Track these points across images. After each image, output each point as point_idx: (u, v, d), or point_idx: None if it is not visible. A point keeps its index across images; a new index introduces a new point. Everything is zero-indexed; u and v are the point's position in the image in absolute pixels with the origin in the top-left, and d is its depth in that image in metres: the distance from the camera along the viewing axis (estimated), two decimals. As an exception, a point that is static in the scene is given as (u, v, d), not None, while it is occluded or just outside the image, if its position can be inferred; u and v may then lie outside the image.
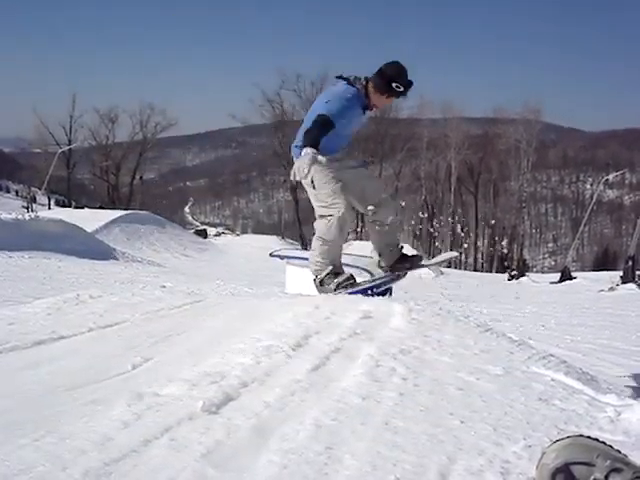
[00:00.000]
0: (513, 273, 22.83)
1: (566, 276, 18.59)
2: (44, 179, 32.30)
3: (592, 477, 1.19)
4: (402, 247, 3.64)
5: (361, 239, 26.04)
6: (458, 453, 1.44)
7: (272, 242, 31.16)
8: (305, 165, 2.81)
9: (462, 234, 41.98)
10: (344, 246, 3.44)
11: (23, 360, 2.40)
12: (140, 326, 2.84)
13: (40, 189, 39.75)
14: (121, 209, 27.84)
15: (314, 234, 3.33)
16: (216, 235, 43.28)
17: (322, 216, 3.23)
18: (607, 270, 23.49)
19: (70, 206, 37.52)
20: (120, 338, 2.66)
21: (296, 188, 39.05)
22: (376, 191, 3.48)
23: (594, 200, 28.21)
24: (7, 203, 44.47)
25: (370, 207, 3.40)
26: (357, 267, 3.71)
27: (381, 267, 3.59)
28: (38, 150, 44.43)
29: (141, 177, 46.83)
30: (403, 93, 3.23)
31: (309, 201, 3.35)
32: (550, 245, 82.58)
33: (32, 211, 24.19)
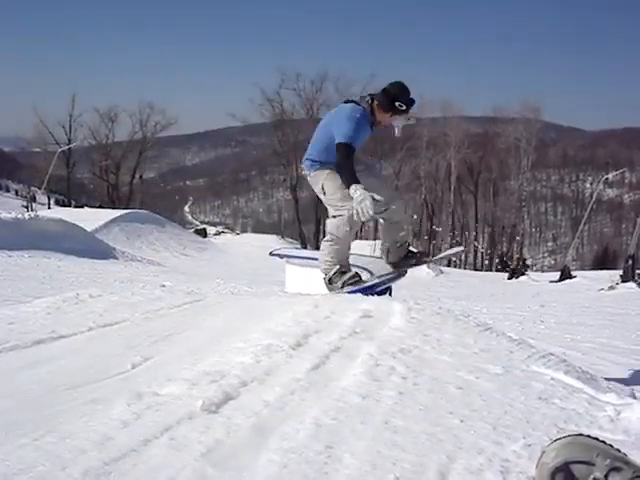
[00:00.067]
0: (513, 272, 22.83)
1: (566, 275, 18.56)
2: (44, 178, 32.26)
3: (592, 476, 1.19)
4: (409, 244, 3.84)
5: (360, 239, 26.06)
6: (458, 452, 1.44)
7: (272, 241, 31.14)
8: (368, 208, 3.07)
9: (464, 235, 41.98)
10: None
11: (23, 359, 2.40)
12: (140, 325, 2.84)
13: (40, 188, 39.71)
14: (121, 208, 27.85)
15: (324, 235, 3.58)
16: (216, 234, 43.18)
17: (333, 216, 3.46)
18: (607, 269, 23.46)
19: (70, 205, 37.54)
20: (120, 337, 2.66)
21: (296, 187, 39.10)
22: (385, 190, 3.59)
23: (594, 199, 28.17)
24: (7, 202, 44.42)
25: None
26: (357, 266, 3.74)
27: (388, 262, 3.77)
28: (38, 149, 44.37)
29: (141, 176, 46.79)
30: (406, 111, 3.46)
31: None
32: (550, 244, 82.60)
33: (32, 210, 24.22)
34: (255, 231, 55.63)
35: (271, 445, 1.45)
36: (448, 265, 29.04)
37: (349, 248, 3.52)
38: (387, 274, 3.69)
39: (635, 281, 14.40)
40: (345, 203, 3.31)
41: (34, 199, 44.77)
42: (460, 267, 35.42)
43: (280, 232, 41.67)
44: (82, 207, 30.04)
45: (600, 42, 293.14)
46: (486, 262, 42.24)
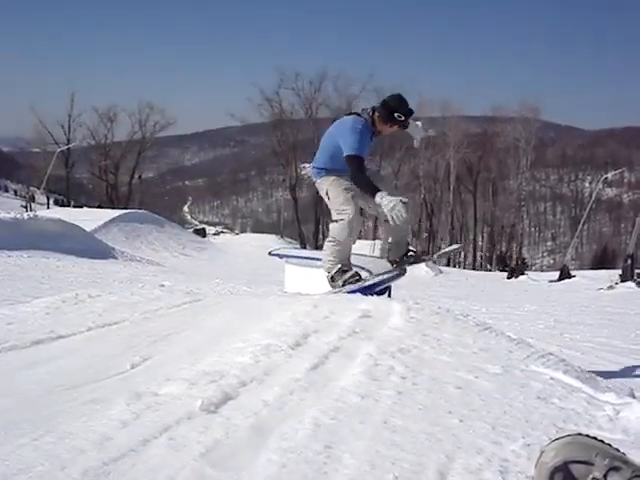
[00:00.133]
0: (512, 271, 22.85)
1: (565, 275, 18.59)
2: (43, 178, 32.25)
3: (591, 476, 1.19)
4: (409, 243, 4.02)
5: (360, 238, 26.05)
6: (457, 452, 1.44)
7: (271, 241, 31.13)
8: (402, 212, 3.26)
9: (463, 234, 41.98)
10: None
11: (22, 360, 2.40)
12: (139, 325, 2.84)
13: (39, 188, 39.72)
14: (120, 208, 27.86)
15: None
16: (215, 234, 43.24)
17: (335, 220, 3.62)
18: (606, 268, 23.46)
19: (69, 205, 37.48)
20: (119, 337, 2.66)
21: (295, 187, 39.09)
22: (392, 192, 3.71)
23: (593, 198, 28.19)
24: (6, 202, 44.30)
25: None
26: (356, 265, 3.79)
27: (389, 261, 3.90)
28: (37, 149, 44.34)
29: (140, 176, 46.76)
30: (404, 122, 3.67)
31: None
32: (549, 244, 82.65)
33: (31, 210, 24.17)
34: (254, 231, 55.68)
35: (270, 445, 1.45)
36: (447, 265, 29.07)
37: (350, 249, 3.69)
38: (387, 272, 3.77)
39: (634, 280, 14.43)
40: (346, 207, 3.50)
41: (33, 199, 44.76)
42: (459, 267, 35.43)
43: (279, 232, 41.65)
44: (81, 207, 30.05)
45: (599, 41, 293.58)
46: (485, 262, 42.26)
